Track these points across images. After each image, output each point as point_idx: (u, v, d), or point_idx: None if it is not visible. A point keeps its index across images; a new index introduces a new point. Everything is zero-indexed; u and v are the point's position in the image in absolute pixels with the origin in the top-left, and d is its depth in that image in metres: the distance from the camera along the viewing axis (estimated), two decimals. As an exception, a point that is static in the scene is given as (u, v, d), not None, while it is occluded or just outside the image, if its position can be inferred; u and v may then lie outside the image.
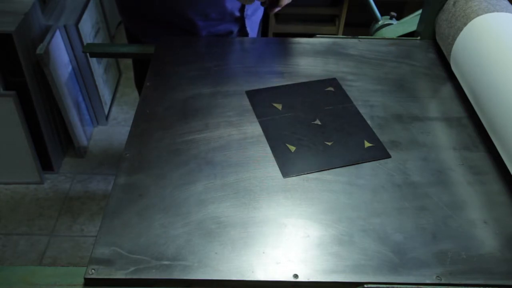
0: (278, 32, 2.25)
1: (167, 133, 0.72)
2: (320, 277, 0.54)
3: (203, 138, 0.72)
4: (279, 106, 0.79)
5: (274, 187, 0.65)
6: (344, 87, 0.83)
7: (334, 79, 0.85)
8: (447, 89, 0.84)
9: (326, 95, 0.81)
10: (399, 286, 0.54)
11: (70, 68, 1.68)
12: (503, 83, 0.66)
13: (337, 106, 0.79)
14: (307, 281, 0.54)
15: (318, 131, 0.74)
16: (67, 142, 1.80)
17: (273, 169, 0.67)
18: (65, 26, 1.62)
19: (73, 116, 1.70)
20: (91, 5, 1.82)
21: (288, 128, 0.74)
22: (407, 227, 0.60)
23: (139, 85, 1.13)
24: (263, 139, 0.72)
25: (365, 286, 0.54)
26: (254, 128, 0.74)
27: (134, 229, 0.59)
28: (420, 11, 1.09)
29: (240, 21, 1.02)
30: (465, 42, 0.78)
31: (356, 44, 0.94)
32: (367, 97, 0.81)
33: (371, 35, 1.62)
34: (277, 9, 0.84)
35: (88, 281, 0.54)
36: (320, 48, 0.93)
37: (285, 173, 0.67)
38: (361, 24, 2.06)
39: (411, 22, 1.49)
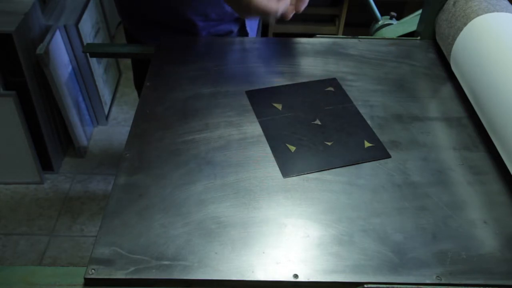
0: (278, 32, 2.25)
1: (167, 133, 0.72)
2: (320, 277, 0.54)
3: (203, 138, 0.72)
4: (279, 106, 0.79)
5: (274, 187, 0.65)
6: (344, 87, 0.83)
7: (334, 79, 0.85)
8: (447, 89, 0.84)
9: (326, 95, 0.81)
10: (399, 286, 0.54)
11: (70, 68, 1.69)
12: (503, 83, 0.66)
13: (337, 106, 0.79)
14: (307, 281, 0.54)
15: (318, 131, 0.74)
16: (67, 142, 1.80)
17: (273, 169, 0.67)
18: (65, 26, 1.62)
19: (73, 116, 1.70)
20: (91, 5, 1.82)
21: (288, 128, 0.74)
22: (407, 227, 0.60)
23: (139, 85, 1.13)
24: (263, 139, 0.72)
25: (365, 286, 0.54)
26: (254, 128, 0.74)
27: (134, 229, 0.59)
28: (420, 11, 1.09)
29: (240, 21, 1.02)
30: (465, 42, 0.78)
31: (356, 44, 0.94)
32: (367, 97, 0.81)
33: (371, 35, 1.62)
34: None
35: (88, 281, 0.54)
36: (320, 48, 0.93)
37: (285, 173, 0.67)
38: (361, 24, 2.06)
39: (411, 22, 1.50)
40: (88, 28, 1.77)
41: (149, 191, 0.63)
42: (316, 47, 0.93)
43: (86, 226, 1.57)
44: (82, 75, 1.75)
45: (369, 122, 0.76)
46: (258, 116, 0.76)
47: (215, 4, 0.95)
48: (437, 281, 0.54)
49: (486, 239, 0.59)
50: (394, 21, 1.61)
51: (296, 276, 0.54)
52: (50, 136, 1.65)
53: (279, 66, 0.88)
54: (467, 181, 0.66)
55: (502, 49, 0.70)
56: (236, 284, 0.54)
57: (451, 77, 0.85)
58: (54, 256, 1.48)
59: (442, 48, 0.89)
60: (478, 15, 0.78)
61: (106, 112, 1.95)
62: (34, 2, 1.51)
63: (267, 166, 0.68)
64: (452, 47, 0.82)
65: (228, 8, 0.96)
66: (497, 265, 0.56)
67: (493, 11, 0.77)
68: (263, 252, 0.57)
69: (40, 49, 1.47)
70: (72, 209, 1.62)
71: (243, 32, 1.04)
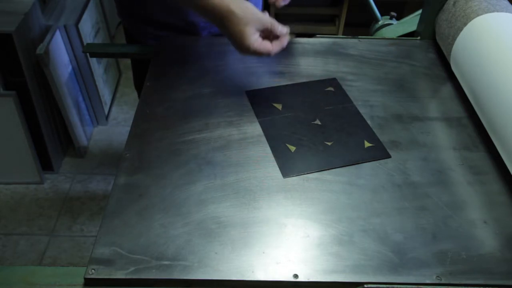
0: (278, 32, 2.25)
1: (167, 133, 0.72)
2: (320, 277, 0.54)
3: (203, 138, 0.72)
4: (279, 106, 0.79)
5: (274, 187, 0.65)
6: (344, 87, 0.83)
7: (334, 79, 0.85)
8: (447, 89, 0.84)
9: (326, 95, 0.81)
10: (399, 286, 0.54)
11: (70, 68, 1.68)
12: (503, 83, 0.66)
13: (337, 106, 0.79)
14: (307, 281, 0.54)
15: (318, 131, 0.74)
16: (67, 142, 1.80)
17: (273, 169, 0.67)
18: (65, 26, 1.62)
19: (73, 116, 1.70)
20: (91, 5, 1.82)
21: (288, 128, 0.74)
22: (407, 227, 0.60)
23: (138, 85, 1.13)
24: (263, 139, 0.72)
25: (365, 286, 0.54)
26: (254, 128, 0.74)
27: (134, 229, 0.59)
28: (420, 11, 1.09)
29: None
30: (465, 42, 0.78)
31: (356, 44, 0.94)
32: (367, 97, 0.81)
33: (371, 35, 1.62)
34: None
35: (88, 281, 0.54)
36: (320, 48, 0.93)
37: (285, 173, 0.67)
38: (361, 24, 2.06)
39: (411, 22, 1.49)
40: (88, 28, 1.77)
41: (149, 191, 0.63)
42: (316, 47, 0.93)
43: (86, 226, 1.57)
44: (82, 75, 1.75)
45: (369, 122, 0.76)
46: (258, 116, 0.76)
47: None
48: (437, 281, 0.54)
49: (486, 239, 0.59)
50: (394, 21, 1.61)
51: (296, 276, 0.54)
52: (50, 136, 1.65)
53: (279, 66, 0.88)
54: (467, 181, 0.66)
55: (502, 49, 0.70)
56: (236, 284, 0.54)
57: (451, 77, 0.85)
58: (54, 256, 1.48)
59: (442, 48, 0.89)
60: (478, 15, 0.78)
61: (106, 112, 1.95)
62: (34, 2, 1.51)
63: (267, 166, 0.68)
64: (452, 47, 0.82)
65: None
66: (497, 265, 0.56)
67: (493, 11, 0.77)
68: (263, 252, 0.57)
69: (40, 49, 1.47)
70: (72, 209, 1.62)
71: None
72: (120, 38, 2.27)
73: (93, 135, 1.91)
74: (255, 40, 0.73)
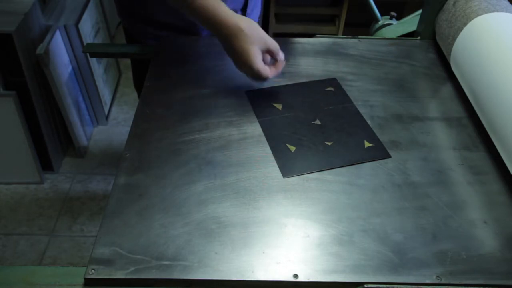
0: (278, 32, 2.25)
1: (167, 133, 0.72)
2: (320, 277, 0.54)
3: (203, 138, 0.72)
4: (279, 106, 0.79)
5: (274, 187, 0.65)
6: (344, 87, 0.83)
7: (334, 79, 0.85)
8: (447, 89, 0.84)
9: (326, 95, 0.81)
10: (399, 286, 0.54)
11: (70, 68, 1.68)
12: (503, 83, 0.66)
13: (337, 106, 0.79)
14: (307, 281, 0.54)
15: (318, 131, 0.74)
16: (67, 142, 1.80)
17: (273, 169, 0.67)
18: (65, 26, 1.62)
19: (73, 116, 1.70)
20: (91, 5, 1.82)
21: (288, 128, 0.74)
22: (407, 227, 0.60)
23: (138, 86, 1.13)
24: (263, 139, 0.72)
25: (365, 286, 0.54)
26: (254, 128, 0.74)
27: (134, 229, 0.59)
28: (420, 11, 1.09)
29: None
30: (465, 42, 0.78)
31: (356, 44, 0.94)
32: (367, 97, 0.81)
33: (371, 35, 1.62)
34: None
35: (88, 281, 0.54)
36: (320, 48, 0.93)
37: (285, 173, 0.67)
38: (361, 24, 2.06)
39: (411, 22, 1.50)
40: (88, 28, 1.77)
41: (149, 191, 0.63)
42: (316, 47, 0.93)
43: (86, 226, 1.57)
44: (82, 75, 1.75)
45: (369, 122, 0.76)
46: (258, 116, 0.76)
47: None
48: (437, 281, 0.54)
49: (486, 239, 0.59)
50: (394, 21, 1.61)
51: (296, 276, 0.54)
52: (50, 136, 1.65)
53: (279, 66, 0.88)
54: (467, 181, 0.66)
55: (502, 49, 0.70)
56: (236, 284, 0.54)
57: (451, 77, 0.85)
58: (54, 256, 1.48)
59: (442, 48, 0.89)
60: (478, 15, 0.78)
61: (106, 112, 1.95)
62: (34, 2, 1.51)
63: (267, 166, 0.68)
64: (452, 47, 0.82)
65: (230, 8, 0.96)
66: (497, 265, 0.56)
67: (493, 11, 0.77)
68: (263, 252, 0.57)
69: (40, 49, 1.47)
70: (72, 209, 1.62)
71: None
72: (120, 38, 2.27)
73: (93, 135, 1.91)
74: (260, 61, 0.75)
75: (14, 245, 1.51)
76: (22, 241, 1.52)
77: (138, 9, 0.98)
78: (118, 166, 0.67)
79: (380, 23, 1.62)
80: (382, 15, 1.64)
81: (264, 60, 0.77)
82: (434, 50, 0.93)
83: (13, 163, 1.63)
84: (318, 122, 0.76)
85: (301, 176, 0.66)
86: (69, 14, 1.68)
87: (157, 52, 0.90)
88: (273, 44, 0.77)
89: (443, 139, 0.73)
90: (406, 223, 0.60)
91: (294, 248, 0.57)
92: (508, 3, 0.82)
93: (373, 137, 0.73)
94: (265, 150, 0.70)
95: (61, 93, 1.59)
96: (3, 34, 1.38)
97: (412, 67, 0.88)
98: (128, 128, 0.74)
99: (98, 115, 1.91)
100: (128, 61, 1.44)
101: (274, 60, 0.80)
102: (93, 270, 0.54)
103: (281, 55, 0.79)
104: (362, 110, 0.78)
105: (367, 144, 0.72)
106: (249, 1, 1.00)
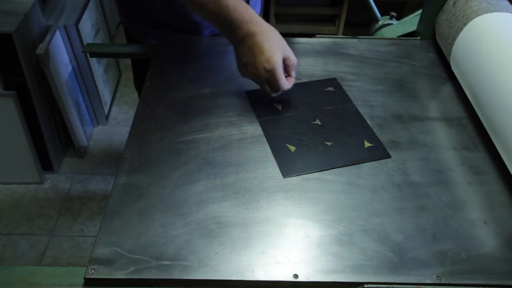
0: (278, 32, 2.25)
1: (167, 133, 0.72)
2: (320, 277, 0.54)
3: (203, 138, 0.72)
4: (279, 106, 0.79)
5: (274, 187, 0.65)
6: (344, 87, 0.83)
7: (334, 79, 0.85)
8: (447, 89, 0.84)
9: (326, 95, 0.81)
10: (399, 286, 0.54)
11: (70, 68, 1.68)
12: (503, 83, 0.66)
13: (337, 106, 0.79)
14: (307, 281, 0.54)
15: (318, 131, 0.74)
16: (67, 142, 1.80)
17: (273, 169, 0.67)
18: (65, 26, 1.62)
19: (73, 116, 1.70)
20: (91, 5, 1.82)
21: (288, 128, 0.74)
22: (407, 227, 0.60)
23: (139, 86, 1.13)
24: (263, 139, 0.72)
25: (365, 286, 0.54)
26: (254, 128, 0.74)
27: (134, 229, 0.59)
28: (420, 11, 1.09)
29: None
30: (465, 42, 0.78)
31: (356, 44, 0.94)
32: (367, 97, 0.81)
33: (371, 35, 1.62)
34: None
35: (88, 281, 0.54)
36: (320, 48, 0.93)
37: (285, 173, 0.67)
38: (361, 24, 2.06)
39: (411, 22, 1.50)
40: (88, 28, 1.77)
41: (149, 191, 0.63)
42: (316, 47, 0.93)
43: (86, 226, 1.57)
44: (82, 75, 1.75)
45: (369, 122, 0.76)
46: (258, 116, 0.76)
47: None
48: (437, 281, 0.54)
49: (486, 239, 0.59)
50: (394, 21, 1.61)
51: (296, 276, 0.54)
52: (50, 136, 1.65)
53: (279, 66, 0.88)
54: (467, 181, 0.66)
55: (502, 49, 0.70)
56: (236, 284, 0.54)
57: (451, 77, 0.85)
58: (54, 256, 1.48)
59: (442, 48, 0.89)
60: (478, 15, 0.78)
61: (106, 112, 1.95)
62: (34, 2, 1.51)
63: (267, 166, 0.68)
64: (452, 47, 0.82)
65: None
66: (497, 265, 0.56)
67: (493, 11, 0.77)
68: (263, 252, 0.57)
69: (40, 49, 1.47)
70: (72, 209, 1.62)
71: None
72: (120, 38, 2.27)
73: (93, 135, 1.91)
74: (281, 64, 0.74)
75: (14, 245, 1.51)
76: (22, 241, 1.52)
77: (138, 9, 0.98)
78: (118, 166, 0.67)
79: (380, 23, 1.62)
80: (382, 15, 1.64)
81: None
82: (434, 50, 0.93)
83: (13, 163, 1.63)
84: (318, 122, 0.76)
85: (301, 176, 0.66)
86: (69, 14, 1.68)
87: (157, 52, 0.90)
88: (292, 54, 0.76)
89: (443, 139, 0.73)
90: (406, 223, 0.60)
91: (294, 248, 0.57)
92: (508, 3, 0.82)
93: (373, 137, 0.73)
94: (265, 150, 0.70)
95: (61, 93, 1.59)
96: (3, 34, 1.38)
97: (412, 67, 0.88)
98: (128, 128, 0.74)
99: (98, 115, 1.91)
100: (128, 61, 1.44)
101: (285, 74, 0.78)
102: (93, 270, 0.54)
103: (294, 72, 0.78)
104: (362, 110, 0.78)
105: (367, 144, 0.72)
106: (249, 1, 1.00)
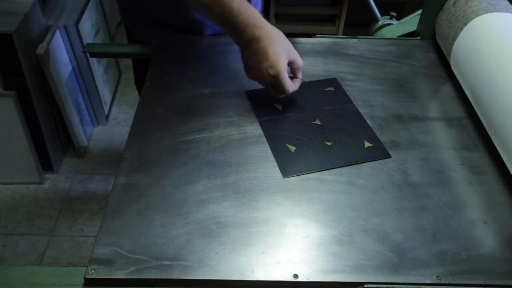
0: (278, 32, 2.25)
1: (167, 133, 0.72)
2: (320, 277, 0.54)
3: (203, 138, 0.72)
4: (279, 106, 0.79)
5: (274, 187, 0.65)
6: (344, 87, 0.83)
7: (334, 79, 0.85)
8: (447, 89, 0.84)
9: (326, 95, 0.81)
10: (399, 286, 0.54)
11: (70, 68, 1.68)
12: (503, 83, 0.66)
13: (337, 106, 0.79)
14: (307, 281, 0.54)
15: (318, 131, 0.74)
16: (67, 142, 1.80)
17: (273, 169, 0.67)
18: (65, 26, 1.62)
19: (73, 116, 1.70)
20: (91, 5, 1.82)
21: (288, 128, 0.74)
22: (407, 227, 0.60)
23: (139, 85, 1.13)
24: (263, 139, 0.72)
25: (365, 286, 0.54)
26: (254, 128, 0.74)
27: (134, 229, 0.59)
28: (420, 11, 1.09)
29: None
30: (465, 42, 0.78)
31: (356, 44, 0.94)
32: (367, 97, 0.81)
33: (371, 35, 1.62)
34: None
35: (88, 281, 0.54)
36: (320, 48, 0.93)
37: (285, 173, 0.67)
38: (361, 24, 2.06)
39: (411, 22, 1.50)
40: (88, 28, 1.77)
41: (149, 191, 0.63)
42: (316, 47, 0.93)
43: (86, 226, 1.57)
44: (82, 75, 1.75)
45: (369, 122, 0.76)
46: (258, 116, 0.76)
47: None
48: (437, 281, 0.54)
49: (486, 239, 0.59)
50: (394, 21, 1.61)
51: (296, 276, 0.54)
52: (50, 136, 1.65)
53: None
54: (467, 181, 0.66)
55: (502, 49, 0.70)
56: (236, 284, 0.54)
57: (451, 77, 0.85)
58: (54, 256, 1.48)
59: (442, 48, 0.89)
60: (478, 15, 0.78)
61: (106, 112, 1.95)
62: (34, 2, 1.51)
63: (267, 166, 0.68)
64: (452, 47, 0.82)
65: None
66: (497, 265, 0.56)
67: (493, 11, 0.77)
68: (263, 252, 0.57)
69: (40, 49, 1.47)
70: (72, 209, 1.62)
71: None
72: (120, 38, 2.27)
73: (93, 135, 1.91)
74: (286, 68, 0.74)
75: (14, 245, 1.51)
76: (22, 241, 1.52)
77: (138, 8, 0.98)
78: (118, 166, 0.67)
79: (380, 23, 1.62)
80: (382, 15, 1.64)
81: None
82: (434, 50, 0.93)
83: (13, 163, 1.63)
84: (318, 122, 0.76)
85: (301, 176, 0.66)
86: (69, 14, 1.68)
87: (157, 52, 0.90)
88: (298, 57, 0.77)
89: (443, 139, 0.73)
90: (406, 223, 0.60)
91: (294, 248, 0.57)
92: (508, 3, 0.82)
93: (373, 137, 0.73)
94: (265, 150, 0.70)
95: (61, 93, 1.59)
96: (3, 34, 1.38)
97: (412, 67, 0.88)
98: (128, 128, 0.74)
99: (98, 115, 1.91)
100: (128, 61, 1.45)
101: (291, 75, 0.78)
102: (93, 270, 0.54)
103: (300, 74, 0.78)
104: (362, 110, 0.78)
105: (367, 144, 0.72)
106: (250, 1, 1.00)
